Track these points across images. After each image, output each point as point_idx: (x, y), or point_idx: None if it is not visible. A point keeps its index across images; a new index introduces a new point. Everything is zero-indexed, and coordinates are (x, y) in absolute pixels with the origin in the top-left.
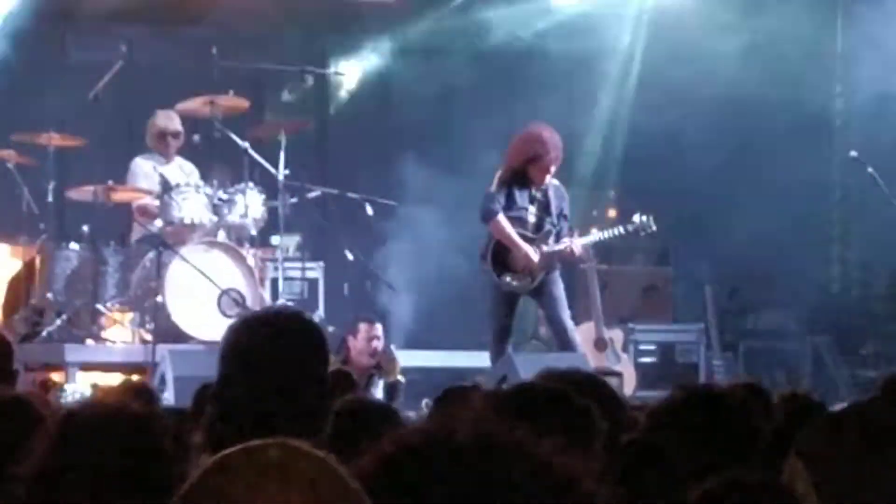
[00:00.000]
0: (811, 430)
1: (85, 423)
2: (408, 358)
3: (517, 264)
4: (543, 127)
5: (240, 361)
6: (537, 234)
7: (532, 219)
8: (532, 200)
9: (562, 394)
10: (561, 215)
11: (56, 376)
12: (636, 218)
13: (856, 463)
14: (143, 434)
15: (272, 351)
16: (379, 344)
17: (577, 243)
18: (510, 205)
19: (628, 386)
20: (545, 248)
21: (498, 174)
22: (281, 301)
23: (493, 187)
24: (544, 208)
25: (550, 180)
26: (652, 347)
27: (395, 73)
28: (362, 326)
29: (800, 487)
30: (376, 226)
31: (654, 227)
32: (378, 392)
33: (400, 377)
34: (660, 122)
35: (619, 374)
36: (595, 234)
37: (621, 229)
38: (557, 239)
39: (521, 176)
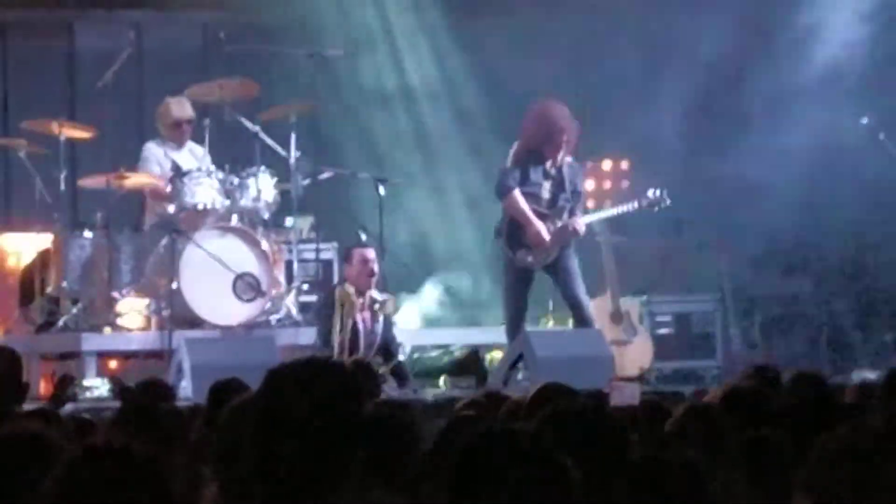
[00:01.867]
0: (816, 464)
1: (91, 472)
2: (425, 336)
3: (532, 240)
4: (555, 105)
5: (282, 418)
6: (552, 209)
7: (546, 195)
8: (546, 176)
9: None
10: (575, 192)
11: (74, 368)
12: (650, 193)
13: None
14: (149, 479)
15: (318, 413)
16: (374, 265)
17: (580, 221)
18: (524, 181)
19: (645, 357)
20: (558, 223)
21: (513, 150)
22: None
23: (509, 163)
24: (559, 184)
25: (565, 157)
26: (668, 318)
27: (403, 52)
28: (354, 252)
29: None
30: (389, 205)
31: (669, 201)
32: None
33: (394, 320)
34: (671, 88)
35: (636, 379)
36: (607, 211)
37: (635, 204)
38: (571, 215)
39: (536, 153)
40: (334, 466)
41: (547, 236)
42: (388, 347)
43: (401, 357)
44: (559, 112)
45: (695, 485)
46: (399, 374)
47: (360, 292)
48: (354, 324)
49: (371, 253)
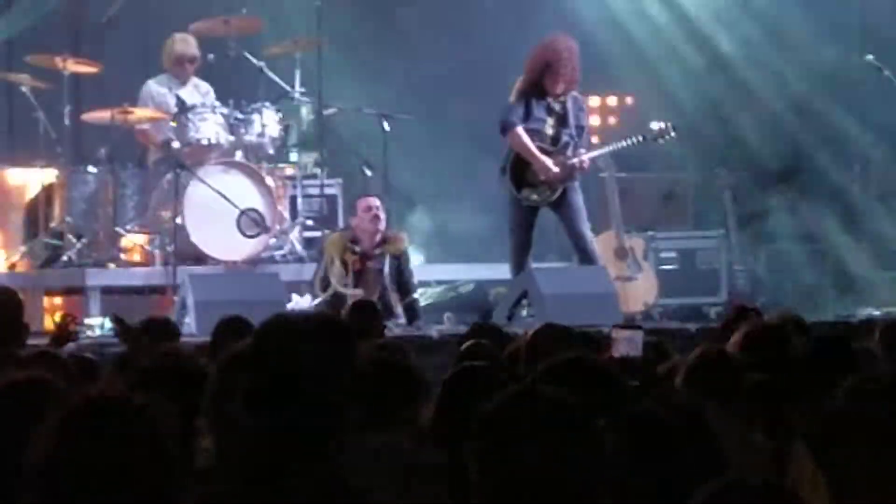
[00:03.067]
0: (816, 415)
1: (84, 421)
2: (429, 272)
3: (536, 177)
4: (559, 36)
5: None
6: (555, 146)
7: (550, 131)
8: (550, 112)
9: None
10: (579, 126)
11: (78, 304)
12: (654, 125)
13: (863, 450)
14: (142, 428)
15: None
16: (379, 213)
17: (585, 158)
18: (528, 117)
19: (650, 294)
20: (563, 159)
21: (516, 86)
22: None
23: (511, 99)
24: (562, 120)
25: (569, 92)
26: (673, 255)
27: None
28: (359, 202)
29: (807, 472)
30: (394, 141)
31: (674, 133)
32: (386, 268)
33: (406, 253)
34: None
35: (640, 328)
36: (613, 144)
37: (640, 137)
38: (575, 150)
39: (538, 87)
40: (328, 418)
41: (554, 170)
42: (403, 284)
43: (416, 295)
44: (562, 42)
45: (701, 435)
46: (410, 310)
47: (365, 238)
48: (346, 266)
49: (374, 200)
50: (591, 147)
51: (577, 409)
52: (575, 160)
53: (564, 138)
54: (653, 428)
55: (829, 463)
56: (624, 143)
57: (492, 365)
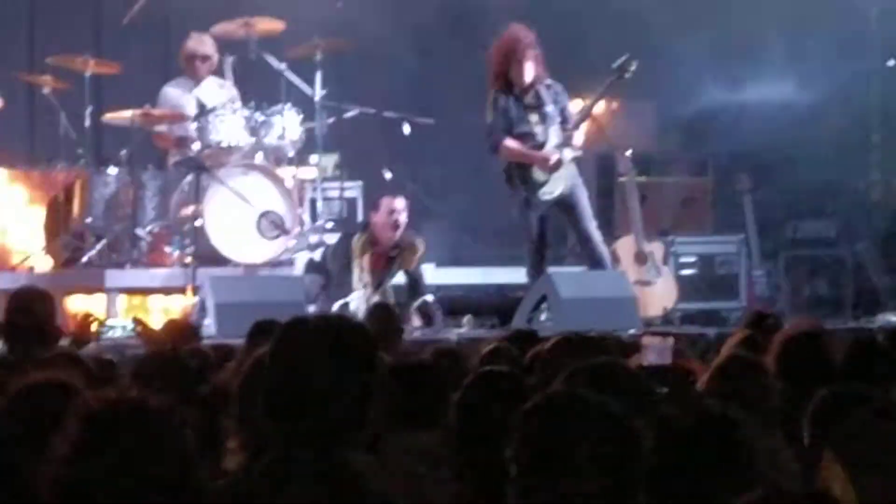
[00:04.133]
0: (847, 428)
1: (103, 425)
2: (447, 275)
3: (543, 174)
4: (513, 25)
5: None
6: (543, 138)
7: (536, 129)
8: (526, 108)
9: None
10: (562, 110)
11: (98, 304)
12: (613, 64)
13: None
14: (160, 431)
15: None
16: (401, 217)
17: (572, 129)
18: (508, 126)
19: (669, 298)
20: (555, 143)
21: (488, 101)
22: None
23: (489, 117)
24: (540, 111)
25: (540, 81)
26: (692, 259)
27: None
28: (383, 200)
29: (836, 488)
30: (414, 144)
31: (635, 63)
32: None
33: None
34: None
35: (669, 335)
36: (589, 101)
37: (606, 81)
38: (565, 133)
39: (507, 84)
40: (350, 417)
41: (553, 157)
42: (414, 286)
43: (429, 297)
44: (515, 28)
45: (734, 446)
46: (425, 312)
47: (378, 242)
48: (365, 274)
49: (399, 203)
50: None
51: (617, 411)
52: (562, 136)
53: (549, 127)
54: (684, 437)
55: (859, 473)
56: (595, 98)
57: (513, 370)
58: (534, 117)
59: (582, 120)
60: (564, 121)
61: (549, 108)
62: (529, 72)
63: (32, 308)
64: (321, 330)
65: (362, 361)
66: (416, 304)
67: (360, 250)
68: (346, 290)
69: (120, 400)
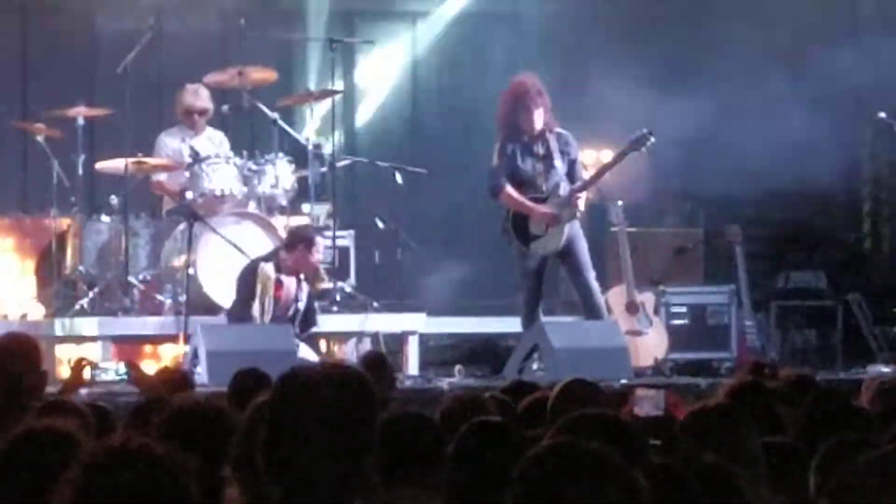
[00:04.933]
0: (843, 479)
1: (106, 471)
2: (440, 325)
3: (539, 227)
4: (523, 75)
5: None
6: (547, 188)
7: (540, 180)
8: (533, 155)
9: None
10: (570, 161)
11: (90, 352)
12: (634, 134)
13: None
14: (164, 478)
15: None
16: (318, 258)
17: (578, 188)
18: (514, 172)
19: (660, 348)
20: (557, 200)
21: (496, 146)
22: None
23: (494, 161)
24: (547, 160)
25: (550, 129)
26: (683, 310)
27: (422, 41)
28: (318, 243)
29: None
30: (406, 194)
31: (653, 139)
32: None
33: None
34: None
35: (661, 388)
36: (601, 168)
37: (624, 149)
38: (571, 184)
39: (516, 130)
40: (347, 470)
41: (552, 213)
42: (306, 317)
43: (314, 329)
44: (524, 78)
45: (728, 494)
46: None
47: (291, 273)
48: (266, 303)
49: (320, 246)
50: (583, 179)
51: (617, 461)
52: (566, 192)
53: (554, 178)
54: (679, 487)
55: None
56: (609, 163)
57: (506, 420)
58: (539, 166)
59: (589, 185)
60: (571, 172)
61: (557, 160)
62: (539, 119)
63: (18, 355)
64: (321, 384)
65: (362, 415)
66: (306, 334)
67: (266, 283)
68: (246, 315)
69: (123, 445)
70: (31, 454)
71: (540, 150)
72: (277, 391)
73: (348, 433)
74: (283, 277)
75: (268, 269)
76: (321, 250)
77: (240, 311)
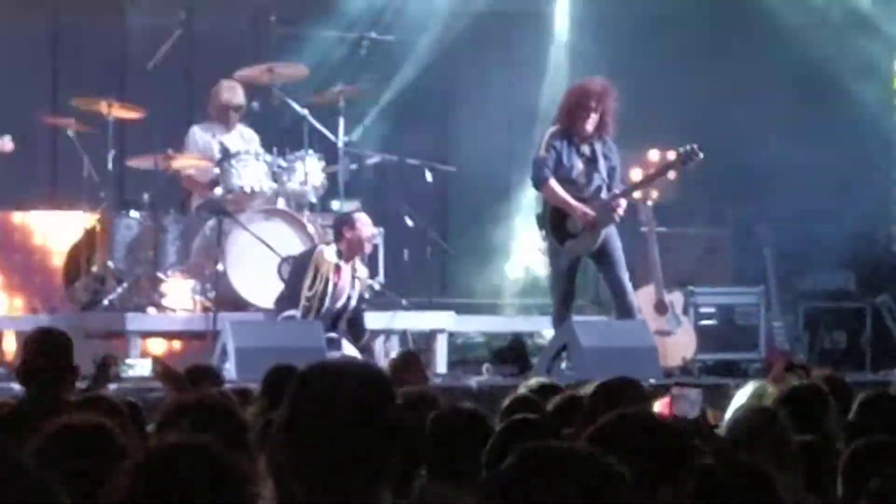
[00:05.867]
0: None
1: (165, 468)
2: (469, 323)
3: (576, 227)
4: (591, 78)
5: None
6: (589, 191)
7: (583, 178)
8: (580, 156)
9: None
10: (610, 168)
11: (117, 345)
12: (682, 148)
13: None
14: (223, 476)
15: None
16: (375, 241)
17: (619, 194)
18: (559, 168)
19: (689, 349)
20: (598, 203)
21: (545, 137)
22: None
23: (542, 152)
24: (592, 163)
25: (599, 136)
26: (712, 310)
27: (453, 39)
28: (359, 218)
29: None
30: (436, 192)
31: (701, 155)
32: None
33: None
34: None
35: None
36: (642, 177)
37: (668, 162)
38: (609, 192)
39: (569, 129)
40: (370, 467)
41: (591, 214)
42: (357, 323)
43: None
44: (593, 81)
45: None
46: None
47: (347, 258)
48: (326, 286)
49: (363, 219)
50: (624, 186)
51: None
52: (608, 197)
53: (596, 182)
54: (720, 489)
55: None
56: (653, 175)
57: (540, 418)
58: (582, 165)
59: (631, 192)
60: (611, 179)
61: (601, 164)
62: (591, 124)
63: (50, 350)
64: (341, 380)
65: (383, 411)
66: (361, 342)
67: (324, 266)
68: (296, 301)
69: (181, 443)
70: (69, 449)
71: (586, 151)
72: (296, 388)
73: (370, 430)
74: (342, 264)
75: (328, 252)
76: (366, 223)
77: (290, 297)
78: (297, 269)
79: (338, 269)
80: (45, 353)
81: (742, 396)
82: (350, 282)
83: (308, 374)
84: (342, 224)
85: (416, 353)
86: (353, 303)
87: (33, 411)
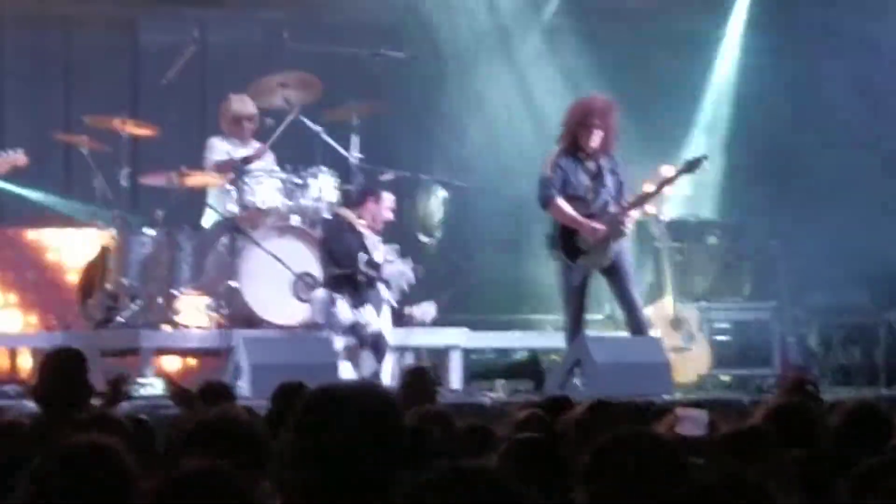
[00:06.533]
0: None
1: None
2: (483, 339)
3: (586, 243)
4: (595, 95)
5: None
6: (596, 206)
7: (589, 195)
8: (586, 173)
9: None
10: (618, 182)
11: (131, 362)
12: (689, 157)
13: None
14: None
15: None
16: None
17: (629, 214)
18: (565, 185)
19: (703, 364)
20: (607, 218)
21: (550, 157)
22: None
23: (547, 171)
24: (598, 179)
25: (605, 151)
26: (726, 326)
27: (472, 56)
28: (385, 194)
29: None
30: (449, 207)
31: (707, 163)
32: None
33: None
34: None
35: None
36: (650, 189)
37: (674, 172)
38: (617, 205)
39: (573, 145)
40: (375, 487)
41: (601, 229)
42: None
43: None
44: (597, 98)
45: None
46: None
47: (367, 227)
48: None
49: (384, 193)
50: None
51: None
52: (616, 211)
53: (604, 197)
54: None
55: None
56: (660, 185)
57: (545, 438)
58: (590, 184)
59: (638, 204)
60: (619, 194)
61: (608, 180)
62: (596, 140)
63: (65, 369)
64: (347, 403)
65: (389, 433)
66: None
67: (350, 216)
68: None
69: (199, 468)
70: (76, 469)
71: (592, 167)
72: (303, 410)
73: (376, 451)
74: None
75: (343, 210)
76: (389, 202)
77: (344, 266)
78: (333, 240)
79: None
80: (60, 372)
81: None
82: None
83: (312, 401)
84: (369, 194)
85: (425, 369)
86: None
87: (48, 430)
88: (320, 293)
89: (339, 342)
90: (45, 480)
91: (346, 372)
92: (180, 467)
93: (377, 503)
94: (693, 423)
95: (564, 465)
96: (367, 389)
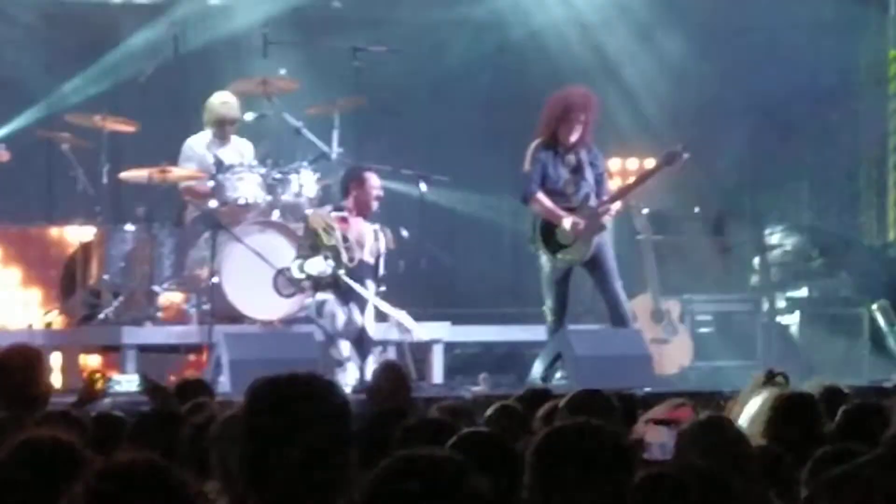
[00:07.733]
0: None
1: (113, 487)
2: (465, 333)
3: (567, 237)
4: (575, 87)
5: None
6: (576, 200)
7: (570, 189)
8: (566, 167)
9: None
10: (598, 175)
11: (104, 364)
12: (668, 150)
13: None
14: (170, 494)
15: (302, 427)
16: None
17: (607, 200)
18: (546, 180)
19: (685, 356)
20: (587, 212)
21: (529, 152)
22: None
23: (527, 166)
24: (579, 172)
25: (583, 144)
26: (709, 318)
27: (449, 48)
28: (370, 176)
29: None
30: (431, 202)
31: (686, 155)
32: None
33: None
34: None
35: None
36: (631, 182)
37: (654, 165)
38: (597, 199)
39: (553, 138)
40: (325, 477)
41: (581, 223)
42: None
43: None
44: (577, 91)
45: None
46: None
47: (357, 213)
48: (341, 236)
49: (372, 178)
50: (612, 192)
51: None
52: (596, 204)
53: (584, 190)
54: (676, 493)
55: None
56: (640, 179)
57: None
58: (570, 177)
59: (619, 197)
60: (599, 186)
61: (587, 172)
62: (575, 134)
63: (20, 367)
64: (292, 393)
65: (336, 421)
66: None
67: (326, 225)
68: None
69: (129, 461)
70: (29, 464)
71: (572, 161)
72: (249, 404)
73: (323, 441)
74: (350, 217)
75: (318, 211)
76: (375, 182)
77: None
78: (302, 242)
79: (343, 220)
80: (14, 370)
81: (754, 405)
82: (372, 234)
83: (258, 389)
84: (351, 179)
85: (397, 363)
86: (384, 259)
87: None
88: (328, 304)
89: (346, 347)
90: (5, 472)
91: (351, 376)
92: (113, 458)
93: (324, 479)
94: (660, 449)
95: (513, 457)
96: (309, 374)
